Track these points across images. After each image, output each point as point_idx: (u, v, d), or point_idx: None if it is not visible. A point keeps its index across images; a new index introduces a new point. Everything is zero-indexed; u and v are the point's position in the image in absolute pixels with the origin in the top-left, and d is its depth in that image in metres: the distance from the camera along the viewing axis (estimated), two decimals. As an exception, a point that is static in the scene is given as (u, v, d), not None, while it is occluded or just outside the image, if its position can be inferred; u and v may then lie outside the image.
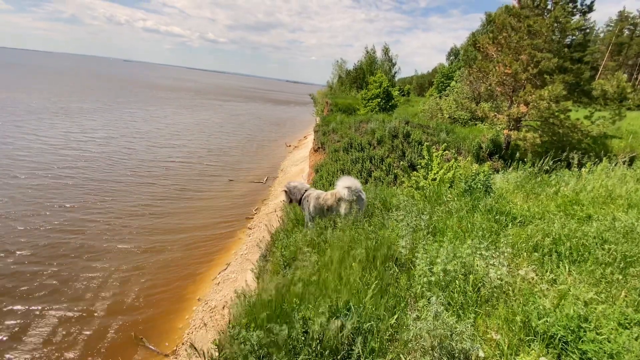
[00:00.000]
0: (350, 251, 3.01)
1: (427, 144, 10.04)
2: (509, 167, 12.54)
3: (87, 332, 7.67)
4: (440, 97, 25.37)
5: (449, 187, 5.48)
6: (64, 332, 7.56)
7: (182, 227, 13.40)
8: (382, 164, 10.60)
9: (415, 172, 9.45)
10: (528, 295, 2.55)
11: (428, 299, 2.54)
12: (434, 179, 9.15)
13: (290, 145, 31.39)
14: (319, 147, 14.27)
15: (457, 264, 2.84)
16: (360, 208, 4.07)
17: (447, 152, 10.85)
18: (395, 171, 10.24)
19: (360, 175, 9.99)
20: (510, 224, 4.03)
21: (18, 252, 10.14)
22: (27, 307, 8.06)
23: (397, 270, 2.91)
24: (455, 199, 4.54)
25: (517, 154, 11.45)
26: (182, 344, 8.04)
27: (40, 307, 8.07)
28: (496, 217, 4.21)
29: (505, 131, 14.03)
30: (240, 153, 26.52)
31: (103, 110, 37.91)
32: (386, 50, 42.59)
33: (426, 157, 9.68)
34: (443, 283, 2.74)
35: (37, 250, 10.20)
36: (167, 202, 15.47)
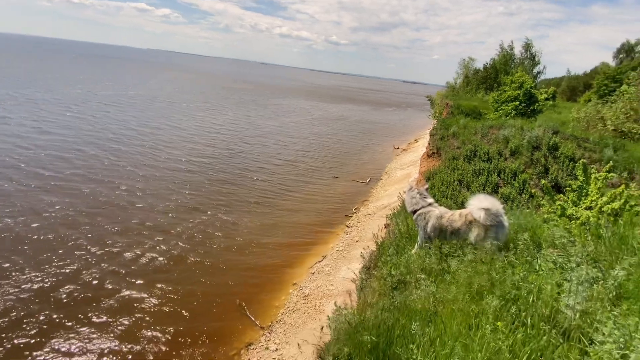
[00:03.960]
0: (488, 295, 2.29)
1: (583, 161, 7.80)
2: None
3: (199, 294, 8.88)
4: (602, 103, 20.03)
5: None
6: (188, 287, 9.00)
7: (286, 216, 14.32)
8: (514, 180, 8.79)
9: (561, 194, 7.44)
10: None
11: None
12: (589, 207, 7.07)
13: (398, 148, 30.13)
14: (433, 153, 12.95)
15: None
16: (499, 238, 3.18)
17: (612, 174, 8.24)
18: (531, 190, 8.32)
19: (484, 189, 8.48)
20: None
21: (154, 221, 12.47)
22: (157, 262, 9.74)
23: (559, 340, 2.04)
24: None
25: None
26: (277, 322, 8.53)
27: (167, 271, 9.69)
28: None
29: None
30: (346, 153, 26.88)
31: (236, 107, 44.02)
32: (527, 46, 35.97)
33: (580, 177, 7.51)
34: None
35: (157, 221, 12.28)
36: (275, 191, 16.88)
